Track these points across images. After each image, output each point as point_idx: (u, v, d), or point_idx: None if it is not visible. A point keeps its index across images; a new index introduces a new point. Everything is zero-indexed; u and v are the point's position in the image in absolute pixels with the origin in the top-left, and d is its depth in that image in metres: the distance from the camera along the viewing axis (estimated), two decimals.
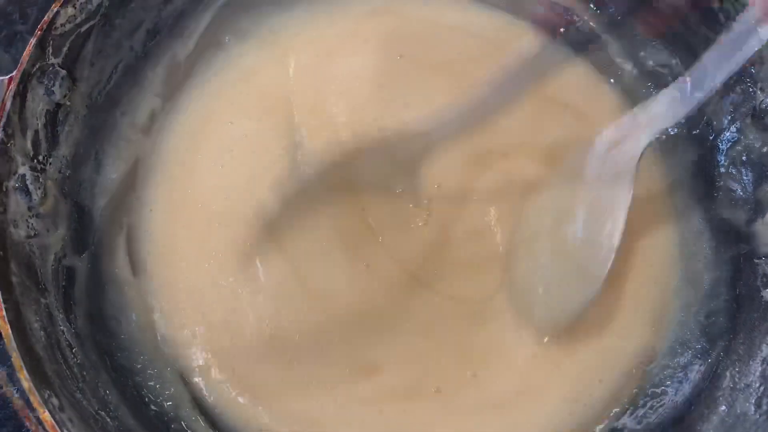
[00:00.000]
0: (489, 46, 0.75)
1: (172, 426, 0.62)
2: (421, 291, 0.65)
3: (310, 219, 0.67)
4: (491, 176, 0.70)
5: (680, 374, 0.65)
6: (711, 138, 0.70)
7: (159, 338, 0.66)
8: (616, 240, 0.61)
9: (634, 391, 0.65)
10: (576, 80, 0.75)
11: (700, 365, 0.65)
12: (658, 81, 0.74)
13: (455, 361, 0.64)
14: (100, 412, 0.56)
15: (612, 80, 0.76)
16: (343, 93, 0.73)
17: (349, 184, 0.69)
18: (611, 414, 0.64)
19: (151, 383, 0.63)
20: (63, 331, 0.58)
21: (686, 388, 0.65)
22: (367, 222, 0.67)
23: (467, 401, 0.63)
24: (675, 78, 0.60)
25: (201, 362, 0.64)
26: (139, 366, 0.63)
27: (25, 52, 0.58)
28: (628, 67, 0.77)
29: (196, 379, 0.64)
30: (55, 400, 0.51)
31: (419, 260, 0.67)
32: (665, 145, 0.73)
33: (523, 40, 0.76)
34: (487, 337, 0.65)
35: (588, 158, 0.64)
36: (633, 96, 0.75)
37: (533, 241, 0.66)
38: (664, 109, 0.60)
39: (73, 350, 0.58)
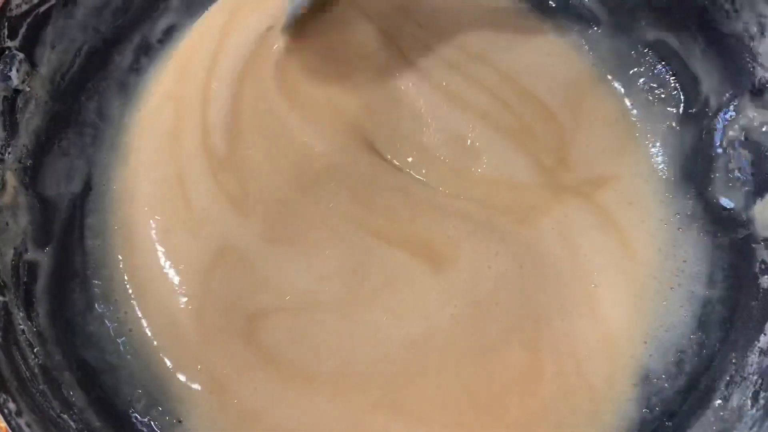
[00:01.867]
0: None
1: (140, 427, 0.59)
2: None
3: None
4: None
5: (673, 368, 0.63)
6: (708, 117, 0.67)
7: (129, 333, 0.63)
8: None
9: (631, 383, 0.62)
10: None
11: (695, 356, 0.63)
12: None
13: None
14: (62, 414, 0.54)
15: None
16: None
17: None
18: None
19: (119, 381, 0.61)
20: (23, 331, 0.56)
21: (681, 381, 0.62)
22: None
23: None
24: None
25: (173, 358, 0.62)
26: (105, 364, 0.61)
27: None
28: None
29: (168, 376, 0.61)
30: (11, 405, 0.49)
31: None
32: (658, 123, 0.71)
33: None
34: None
35: None
36: None
37: None
38: None
39: (35, 350, 0.56)
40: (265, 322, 0.61)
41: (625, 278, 0.65)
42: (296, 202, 0.64)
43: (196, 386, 0.60)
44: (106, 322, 0.63)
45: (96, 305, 0.64)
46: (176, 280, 0.63)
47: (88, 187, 0.67)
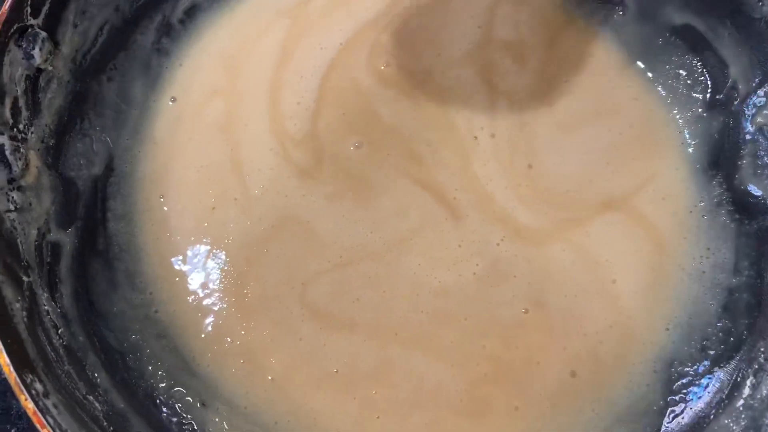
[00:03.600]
0: None
1: (164, 409, 0.59)
2: None
3: None
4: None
5: (698, 355, 0.63)
6: (736, 102, 0.66)
7: (155, 314, 0.64)
8: None
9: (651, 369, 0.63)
10: None
11: (721, 344, 0.62)
12: None
13: None
14: (88, 396, 0.53)
15: None
16: None
17: None
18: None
19: (143, 363, 0.61)
20: (47, 311, 0.55)
21: (706, 368, 0.62)
22: None
23: None
24: None
25: (200, 333, 0.64)
26: (129, 346, 0.62)
27: (0, 12, 0.54)
28: None
29: (194, 355, 0.63)
30: (38, 386, 0.48)
31: None
32: (685, 108, 0.70)
33: None
34: None
35: None
36: None
37: None
38: None
39: (59, 331, 0.56)
40: (315, 284, 0.65)
41: (648, 270, 0.65)
42: (362, 159, 0.69)
43: (225, 360, 0.63)
44: (131, 302, 0.64)
45: (120, 286, 0.64)
46: (216, 257, 0.66)
47: (109, 170, 0.67)
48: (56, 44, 0.60)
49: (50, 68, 0.60)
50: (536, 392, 0.62)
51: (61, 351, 0.54)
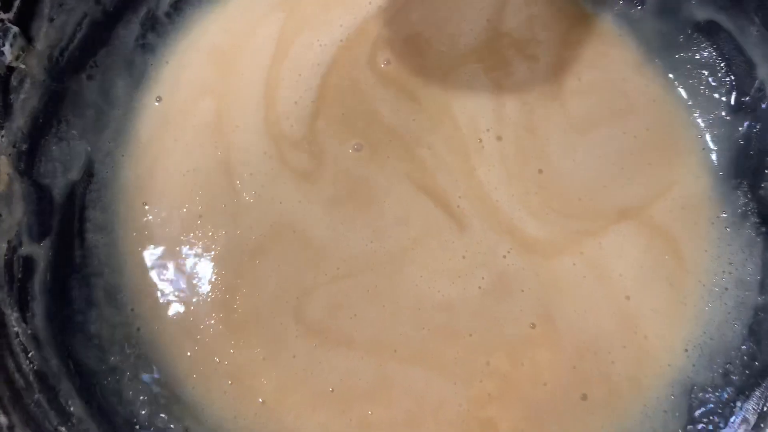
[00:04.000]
0: None
1: None
2: None
3: None
4: None
5: (720, 381, 0.60)
6: (763, 105, 0.63)
7: (137, 333, 0.61)
8: None
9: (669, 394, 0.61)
10: None
11: (745, 368, 0.59)
12: None
13: None
14: (59, 428, 0.50)
15: None
16: None
17: None
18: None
19: (122, 388, 0.58)
20: (17, 333, 0.53)
21: (728, 395, 0.59)
22: None
23: None
24: None
25: (185, 353, 0.61)
26: (107, 369, 0.59)
27: None
28: None
29: (179, 376, 0.61)
30: (3, 419, 0.46)
31: None
32: (707, 111, 0.68)
33: None
34: None
35: None
36: None
37: None
38: None
39: (29, 355, 0.52)
40: (310, 298, 0.62)
41: (665, 285, 0.63)
42: (362, 162, 0.67)
43: (212, 382, 0.60)
44: (110, 321, 0.61)
45: (98, 303, 0.61)
46: (204, 269, 0.64)
47: (88, 176, 0.65)
48: (29, 40, 0.58)
49: (23, 66, 0.58)
50: (544, 414, 0.60)
51: (31, 377, 0.51)
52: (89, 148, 0.65)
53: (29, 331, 0.54)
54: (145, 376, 0.59)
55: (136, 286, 0.63)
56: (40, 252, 0.58)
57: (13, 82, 0.57)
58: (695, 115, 0.68)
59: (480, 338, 0.61)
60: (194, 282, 0.63)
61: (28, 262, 0.57)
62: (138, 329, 0.61)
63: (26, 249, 0.57)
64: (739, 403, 0.58)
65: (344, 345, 0.61)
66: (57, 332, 0.57)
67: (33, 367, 0.52)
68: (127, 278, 0.63)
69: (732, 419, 0.57)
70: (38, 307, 0.56)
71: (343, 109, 0.68)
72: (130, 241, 0.64)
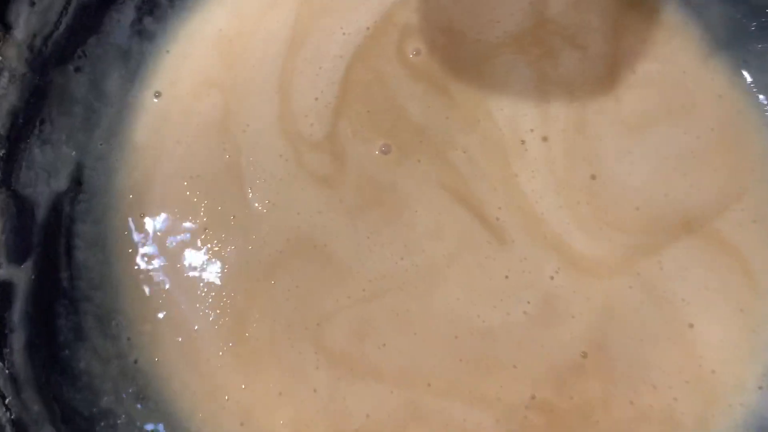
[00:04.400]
0: None
1: None
2: None
3: None
4: None
5: None
6: None
7: (134, 365, 0.58)
8: None
9: None
10: None
11: None
12: None
13: None
14: None
15: None
16: None
17: None
18: None
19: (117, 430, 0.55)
20: None
21: None
22: None
23: None
24: None
25: (190, 389, 0.58)
26: (99, 411, 0.55)
27: None
28: None
29: (182, 416, 0.58)
30: None
31: None
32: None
33: None
34: None
35: None
36: None
37: None
38: None
39: (6, 401, 0.48)
40: (332, 324, 0.60)
41: (734, 311, 0.59)
42: (389, 166, 0.64)
43: (221, 422, 0.58)
44: (103, 353, 0.57)
45: (89, 333, 0.57)
46: (210, 291, 0.61)
47: (76, 184, 0.61)
48: (7, 27, 0.55)
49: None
50: None
51: (8, 429, 0.47)
52: (78, 152, 0.62)
53: (7, 371, 0.50)
54: (144, 418, 0.56)
55: (132, 312, 0.60)
56: (21, 275, 0.55)
57: None
58: None
59: (525, 369, 0.58)
60: (199, 306, 0.60)
61: (6, 288, 0.53)
62: (135, 362, 0.58)
63: (4, 272, 0.54)
64: None
65: (371, 377, 0.58)
66: (39, 370, 0.53)
67: (10, 416, 0.48)
68: (122, 303, 0.60)
69: None
70: (17, 340, 0.53)
71: (368, 106, 0.65)
72: (125, 259, 0.61)
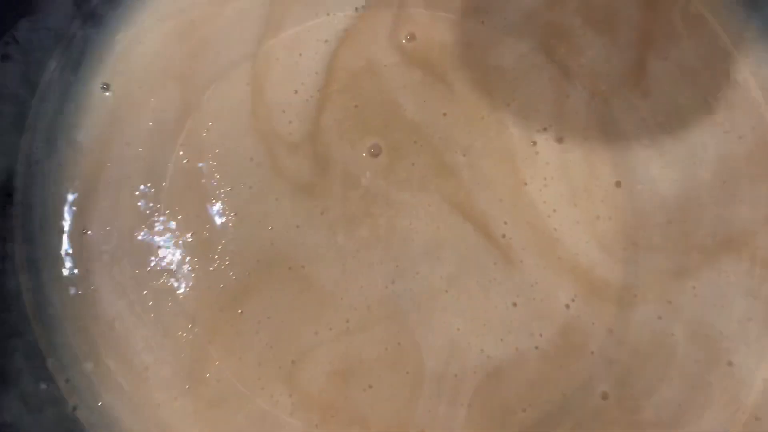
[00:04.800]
0: None
1: None
2: None
3: None
4: None
5: None
6: None
7: (71, 412, 0.53)
8: None
9: None
10: None
11: None
12: None
13: None
14: None
15: None
16: None
17: None
18: None
19: None
20: None
21: None
22: None
23: None
24: None
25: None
26: None
27: None
28: None
29: None
30: None
31: None
32: None
33: None
34: None
35: None
36: None
37: None
38: None
39: None
40: (310, 362, 0.57)
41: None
42: (380, 171, 0.60)
43: None
44: (34, 400, 0.52)
45: (17, 377, 0.52)
46: (164, 323, 0.56)
47: (5, 195, 0.57)
48: None
49: None
50: None
51: None
52: (7, 158, 0.57)
53: None
54: None
55: (71, 349, 0.56)
56: None
57: None
58: None
59: (537, 414, 0.55)
60: (150, 342, 0.56)
61: None
62: (74, 409, 0.54)
63: None
64: None
65: (356, 425, 0.55)
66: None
67: None
68: (59, 336, 0.56)
69: None
70: None
71: (355, 100, 0.61)
72: (62, 284, 0.57)
